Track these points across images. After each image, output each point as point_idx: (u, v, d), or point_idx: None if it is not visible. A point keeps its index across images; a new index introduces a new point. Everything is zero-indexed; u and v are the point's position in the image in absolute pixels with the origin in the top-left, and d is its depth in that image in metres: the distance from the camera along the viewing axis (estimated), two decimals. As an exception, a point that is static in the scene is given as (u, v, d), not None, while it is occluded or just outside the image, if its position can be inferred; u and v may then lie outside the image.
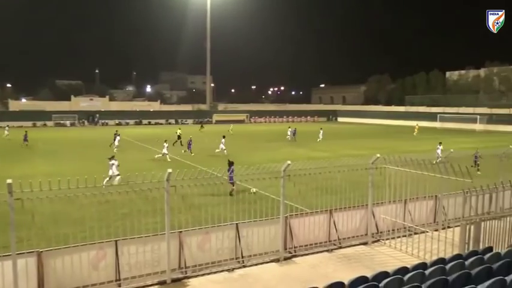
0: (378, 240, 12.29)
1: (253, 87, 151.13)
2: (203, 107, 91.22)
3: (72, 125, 72.56)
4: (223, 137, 32.09)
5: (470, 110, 75.49)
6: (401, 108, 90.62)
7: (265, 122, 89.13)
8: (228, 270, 10.15)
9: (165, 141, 28.95)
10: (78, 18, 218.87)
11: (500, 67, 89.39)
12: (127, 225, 9.87)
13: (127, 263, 9.32)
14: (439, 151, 25.54)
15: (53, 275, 8.62)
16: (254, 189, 15.59)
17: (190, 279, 9.63)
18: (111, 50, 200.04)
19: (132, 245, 9.39)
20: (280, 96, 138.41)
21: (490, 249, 8.45)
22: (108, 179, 18.55)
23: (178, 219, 11.10)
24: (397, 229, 12.34)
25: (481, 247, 9.01)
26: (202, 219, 10.75)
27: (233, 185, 16.56)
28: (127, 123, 75.83)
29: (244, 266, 10.36)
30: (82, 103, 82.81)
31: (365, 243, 12.07)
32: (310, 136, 46.41)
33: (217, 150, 31.00)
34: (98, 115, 76.56)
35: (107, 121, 75.82)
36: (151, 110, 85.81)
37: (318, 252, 11.31)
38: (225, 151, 30.56)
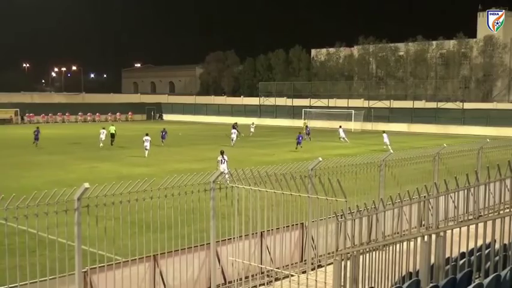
0: (226, 295, 12.78)
1: (26, 65, 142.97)
2: None
3: None
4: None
5: (343, 102, 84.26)
6: (254, 101, 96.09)
7: (49, 122, 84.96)
8: None
9: (147, 134, 40.57)
10: None
11: (377, 45, 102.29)
12: None
13: None
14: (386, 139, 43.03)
15: None
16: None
17: None
18: None
19: None
20: (71, 80, 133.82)
21: (371, 291, 9.56)
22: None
23: None
24: (252, 275, 13.01)
25: (360, 290, 10.10)
26: None
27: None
28: None
29: None
30: None
31: (208, 301, 12.43)
32: (126, 142, 46.18)
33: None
34: None
35: None
36: None
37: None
38: None
